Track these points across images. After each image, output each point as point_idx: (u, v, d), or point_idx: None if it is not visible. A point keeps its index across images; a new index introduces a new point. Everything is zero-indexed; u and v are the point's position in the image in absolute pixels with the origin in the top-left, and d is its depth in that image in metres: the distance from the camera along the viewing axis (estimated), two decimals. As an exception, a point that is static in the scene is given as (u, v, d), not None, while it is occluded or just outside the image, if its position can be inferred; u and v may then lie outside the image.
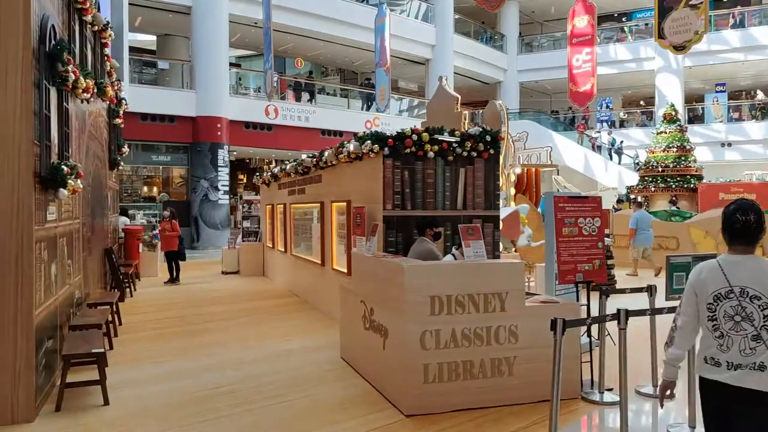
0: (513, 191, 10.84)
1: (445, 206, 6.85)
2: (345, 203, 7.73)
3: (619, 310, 3.97)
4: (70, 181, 4.94)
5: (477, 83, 33.74)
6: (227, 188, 21.99)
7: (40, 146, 4.58)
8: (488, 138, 6.92)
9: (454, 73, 29.52)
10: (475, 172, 6.96)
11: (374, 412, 4.72)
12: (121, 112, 11.51)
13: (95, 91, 6.90)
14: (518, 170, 11.07)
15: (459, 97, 8.59)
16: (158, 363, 6.23)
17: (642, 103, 34.71)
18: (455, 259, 5.62)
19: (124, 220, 14.49)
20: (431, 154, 6.68)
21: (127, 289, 10.79)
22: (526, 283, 9.17)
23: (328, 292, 8.68)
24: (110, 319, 7.46)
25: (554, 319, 3.67)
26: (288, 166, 10.74)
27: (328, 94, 29.04)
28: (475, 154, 6.91)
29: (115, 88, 11.63)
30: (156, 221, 16.95)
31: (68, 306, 6.24)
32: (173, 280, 12.76)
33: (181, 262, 13.03)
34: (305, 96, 27.01)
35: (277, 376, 5.72)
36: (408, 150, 6.59)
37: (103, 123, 10.06)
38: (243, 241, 15.88)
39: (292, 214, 11.07)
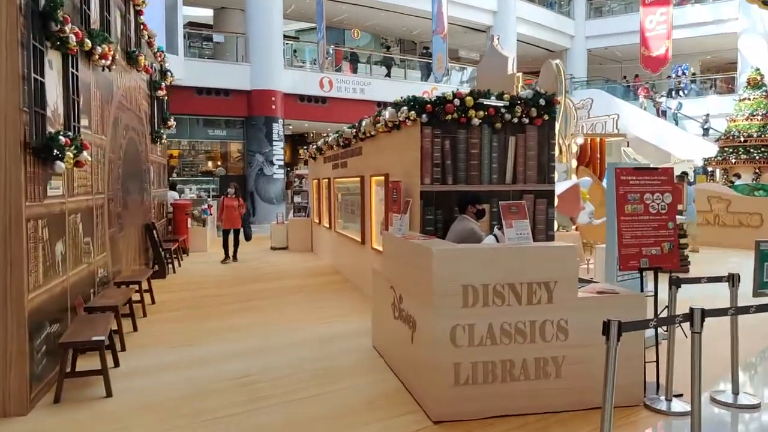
0: (574, 163, 9.88)
1: (492, 180, 6.10)
2: (383, 177, 7.09)
3: (692, 310, 3.19)
4: (69, 152, 4.52)
5: (542, 51, 32.07)
6: (282, 162, 21.74)
7: (30, 114, 4.15)
8: (542, 102, 6.09)
9: (517, 41, 28.10)
10: (526, 141, 6.16)
11: (398, 416, 4.12)
12: (163, 84, 11.21)
13: (115, 58, 6.49)
14: (580, 140, 10.08)
15: (513, 57, 7.68)
16: (179, 347, 5.85)
17: (718, 72, 32.10)
18: (498, 241, 4.91)
19: (172, 194, 14.39)
20: (476, 121, 5.93)
21: (170, 265, 10.59)
22: (585, 266, 8.31)
23: (367, 273, 8.12)
24: (137, 298, 7.18)
25: (607, 321, 2.94)
26: (330, 138, 10.17)
27: (384, 65, 28.26)
28: (526, 120, 6.10)
29: (159, 59, 11.36)
30: (207, 196, 16.81)
31: (87, 286, 5.92)
32: (230, 257, 12.03)
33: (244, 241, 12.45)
34: (362, 68, 26.38)
35: (302, 366, 5.20)
36: (449, 117, 5.86)
37: (142, 95, 9.76)
38: (294, 216, 15.56)
39: (335, 189, 10.54)
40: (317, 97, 23.20)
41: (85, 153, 4.94)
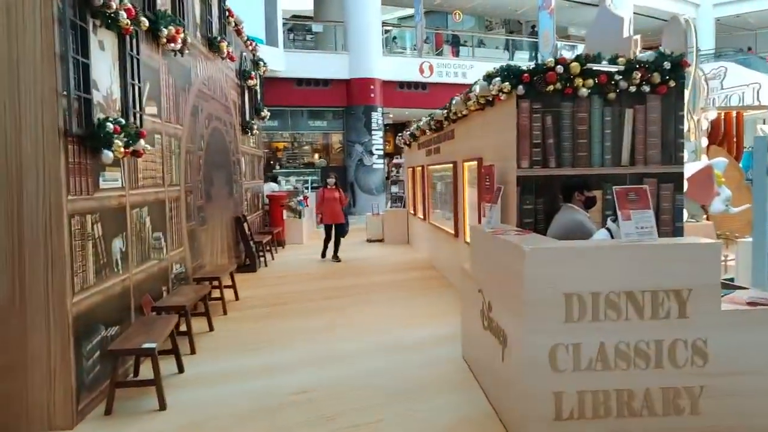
0: (705, 142, 8.48)
1: (605, 162, 5.10)
2: (476, 162, 6.26)
3: None
4: (118, 141, 4.11)
5: (659, 23, 29.28)
6: (381, 152, 21.29)
7: (69, 98, 3.76)
8: (667, 65, 4.99)
9: (634, 13, 25.74)
10: (647, 114, 5.10)
11: (484, 453, 3.35)
12: (254, 74, 10.96)
13: (186, 42, 6.13)
14: (712, 115, 8.64)
15: (630, 17, 6.51)
16: (249, 352, 5.37)
17: None
18: (612, 237, 3.97)
19: (272, 186, 14.29)
20: (584, 92, 4.95)
21: (262, 259, 10.35)
22: (722, 263, 7.00)
23: (459, 264, 7.37)
24: (218, 295, 6.85)
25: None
26: (422, 122, 9.43)
27: (488, 47, 27.02)
28: (647, 88, 5.04)
29: (250, 48, 11.14)
30: (303, 188, 16.63)
31: (159, 283, 5.61)
32: (332, 256, 10.65)
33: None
34: (464, 51, 25.37)
35: (377, 380, 4.54)
36: (551, 87, 4.93)
37: (229, 84, 9.52)
38: (391, 206, 15.00)
39: (429, 177, 9.80)
40: (417, 83, 22.49)
41: (142, 141, 4.55)
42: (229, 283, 7.55)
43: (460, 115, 6.80)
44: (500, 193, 4.44)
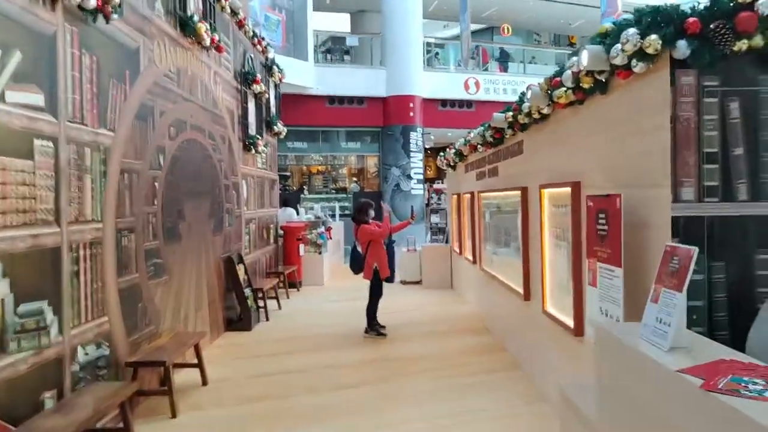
0: None
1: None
2: (569, 188, 3.81)
3: None
4: None
5: None
6: (421, 176, 18.96)
7: None
8: None
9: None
10: None
11: None
12: (259, 77, 8.79)
13: (120, 9, 3.94)
14: None
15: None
16: None
17: None
18: None
19: (290, 213, 12.03)
20: (805, 55, 2.51)
21: (263, 310, 8.04)
22: None
23: (535, 345, 4.88)
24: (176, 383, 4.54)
25: None
26: (473, 135, 7.04)
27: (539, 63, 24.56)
28: None
29: (258, 47, 9.04)
30: (328, 216, 14.41)
31: (39, 386, 3.33)
32: (376, 329, 7.08)
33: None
34: (512, 67, 23.01)
35: None
36: (744, 44, 2.51)
37: (222, 86, 7.35)
38: (431, 240, 12.53)
39: (480, 207, 7.36)
40: (462, 101, 20.16)
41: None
42: (194, 361, 5.25)
43: (535, 116, 4.40)
44: (691, 265, 1.94)
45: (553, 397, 4.48)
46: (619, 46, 2.75)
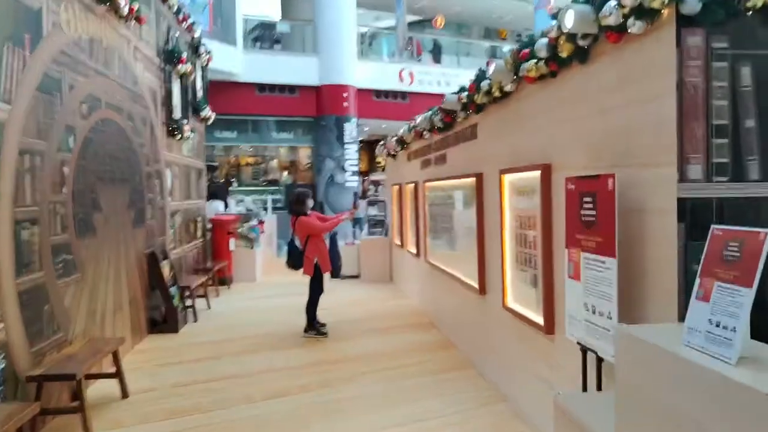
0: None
1: None
2: (538, 171, 3.45)
3: None
4: None
5: None
6: (356, 168, 18.48)
7: None
8: None
9: None
10: None
11: None
12: (184, 56, 8.05)
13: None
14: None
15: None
16: None
17: None
18: None
19: (216, 206, 11.26)
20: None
21: (190, 309, 7.37)
22: None
23: (492, 343, 4.54)
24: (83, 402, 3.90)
25: None
26: (419, 120, 6.65)
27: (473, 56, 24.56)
28: None
29: (183, 23, 8.31)
30: (261, 209, 13.61)
31: None
32: (316, 328, 6.56)
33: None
34: (446, 59, 22.88)
35: None
36: (751, 1, 2.19)
37: (143, 63, 6.62)
38: (368, 233, 12.08)
39: (426, 198, 6.97)
40: (396, 92, 19.81)
41: None
42: (112, 369, 4.60)
43: (497, 94, 4.02)
44: (763, 252, 1.55)
45: (513, 397, 4.16)
46: (613, 2, 2.38)
